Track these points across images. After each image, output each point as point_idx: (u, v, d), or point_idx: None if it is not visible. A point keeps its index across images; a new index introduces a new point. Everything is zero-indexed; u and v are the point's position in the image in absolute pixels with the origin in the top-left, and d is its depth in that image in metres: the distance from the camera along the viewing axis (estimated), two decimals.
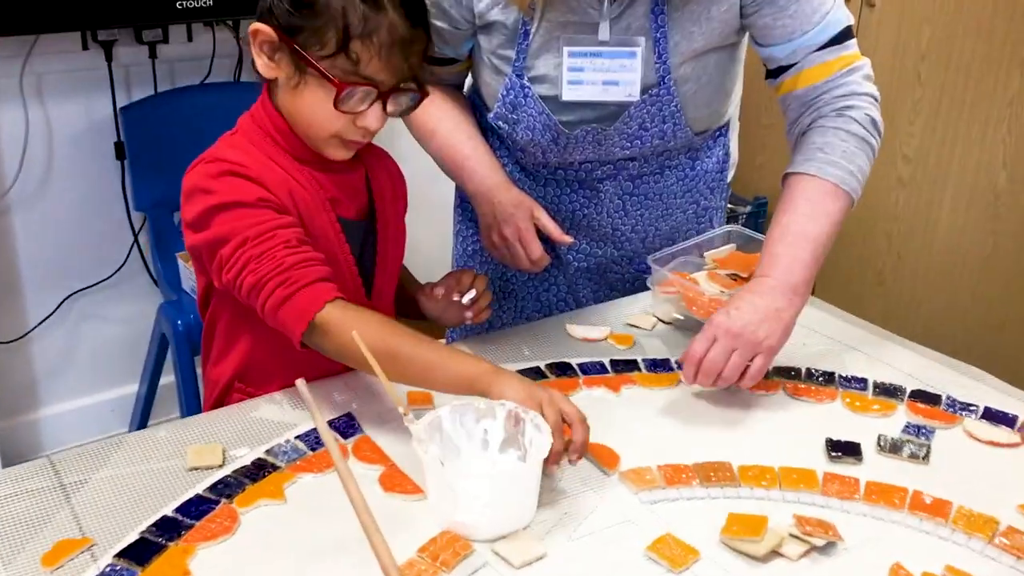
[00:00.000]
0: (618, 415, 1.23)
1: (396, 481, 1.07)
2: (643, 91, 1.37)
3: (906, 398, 1.28)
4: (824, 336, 1.45)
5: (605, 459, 1.13)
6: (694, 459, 1.13)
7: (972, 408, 1.25)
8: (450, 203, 1.70)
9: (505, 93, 1.41)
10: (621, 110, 1.40)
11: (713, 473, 1.10)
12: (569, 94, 1.38)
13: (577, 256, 1.57)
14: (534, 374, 1.30)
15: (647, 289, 1.58)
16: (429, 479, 1.02)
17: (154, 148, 2.41)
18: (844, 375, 1.32)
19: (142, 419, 2.66)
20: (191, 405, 2.32)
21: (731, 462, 1.13)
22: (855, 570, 0.98)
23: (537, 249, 1.44)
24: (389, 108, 1.17)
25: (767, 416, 1.24)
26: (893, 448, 1.17)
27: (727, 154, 1.60)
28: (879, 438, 1.18)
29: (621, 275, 1.60)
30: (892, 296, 2.83)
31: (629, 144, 1.43)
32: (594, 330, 1.43)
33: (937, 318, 2.71)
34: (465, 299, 1.32)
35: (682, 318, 1.48)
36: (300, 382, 0.95)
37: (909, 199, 2.73)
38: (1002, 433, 1.20)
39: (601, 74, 1.37)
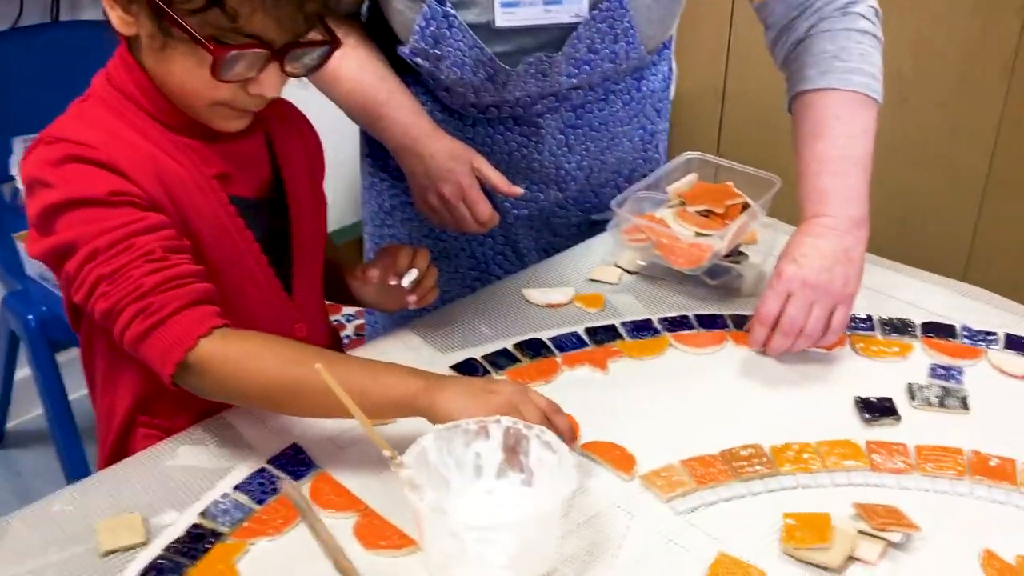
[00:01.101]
0: (613, 398, 1.04)
1: (378, 532, 0.86)
2: (591, 7, 1.15)
3: (920, 334, 1.14)
4: None
5: (619, 461, 0.94)
6: (717, 444, 0.96)
7: (992, 337, 1.13)
8: (354, 151, 1.44)
9: (424, 24, 1.15)
10: (564, 33, 1.17)
11: (746, 462, 0.94)
12: (504, 19, 1.14)
13: (516, 203, 1.35)
14: (504, 358, 1.10)
15: (595, 234, 1.39)
16: (427, 531, 0.81)
17: None
18: None
19: None
20: (55, 401, 2.01)
21: (760, 443, 0.96)
22: (943, 566, 0.83)
23: (486, 208, 1.21)
24: (288, 68, 0.91)
25: (779, 375, 1.08)
26: (928, 401, 1.03)
27: (670, 70, 1.41)
28: (909, 389, 1.04)
29: (566, 220, 1.40)
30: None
31: (576, 71, 1.20)
32: (556, 293, 1.23)
33: None
34: (405, 282, 1.08)
35: (645, 264, 1.29)
36: (289, 484, 0.72)
37: None
38: None
39: None
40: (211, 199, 0.95)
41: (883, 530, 0.84)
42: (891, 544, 0.84)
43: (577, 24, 1.15)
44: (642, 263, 1.29)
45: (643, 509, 0.89)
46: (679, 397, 1.05)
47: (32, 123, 1.91)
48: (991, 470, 0.93)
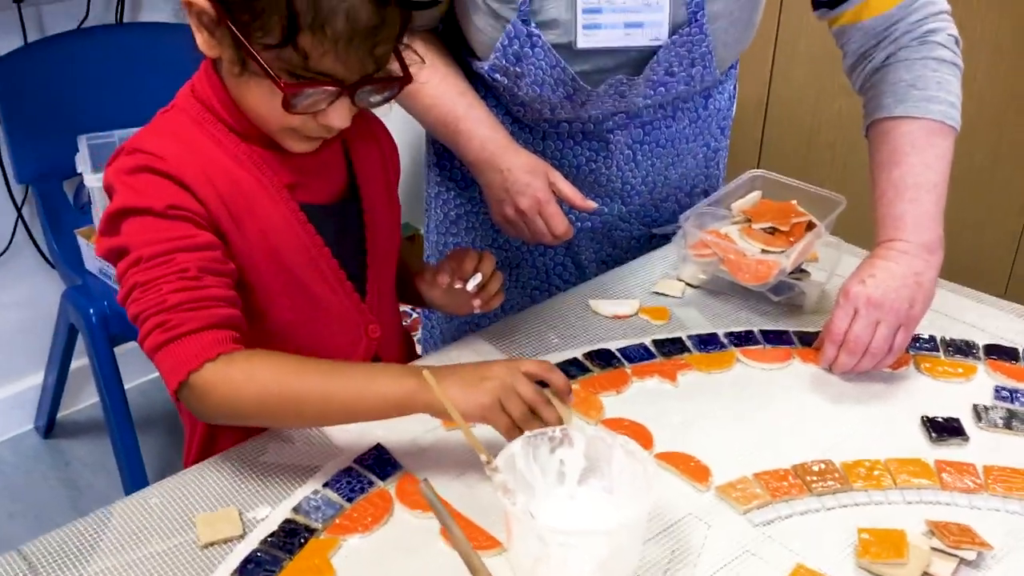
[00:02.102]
0: (683, 410, 1.07)
1: (464, 533, 0.89)
2: (671, 32, 1.18)
3: (983, 355, 1.16)
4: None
5: (694, 472, 0.97)
6: (788, 459, 0.99)
7: None
8: (409, 158, 1.47)
9: (507, 42, 1.18)
10: (643, 56, 1.20)
11: (819, 477, 0.96)
12: (585, 40, 1.17)
13: (581, 215, 1.38)
14: (574, 367, 1.13)
15: (654, 248, 1.42)
16: (516, 534, 0.84)
17: (32, 109, 2.06)
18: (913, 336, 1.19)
19: (51, 411, 2.36)
20: (113, 393, 2.05)
21: (831, 459, 0.99)
22: None
23: (562, 222, 1.23)
24: (359, 103, 0.94)
25: (845, 392, 1.11)
26: (995, 422, 1.05)
27: (735, 88, 1.43)
28: (975, 410, 1.07)
29: (628, 233, 1.43)
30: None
31: (653, 92, 1.23)
32: (622, 304, 1.26)
33: None
34: (470, 286, 1.10)
35: (708, 279, 1.32)
36: (424, 483, 0.78)
37: (854, 106, 2.61)
38: None
39: (622, 15, 1.17)
40: (281, 207, 0.99)
41: (957, 548, 0.87)
42: (964, 562, 0.86)
43: (656, 47, 1.18)
44: (704, 277, 1.32)
45: (720, 520, 0.92)
46: (748, 411, 1.07)
47: (96, 122, 1.99)
48: None
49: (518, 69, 1.19)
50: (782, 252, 1.24)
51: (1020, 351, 1.17)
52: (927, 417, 1.05)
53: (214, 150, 0.96)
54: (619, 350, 1.16)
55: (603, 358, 1.15)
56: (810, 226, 1.27)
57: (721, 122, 1.42)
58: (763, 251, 1.24)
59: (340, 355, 1.06)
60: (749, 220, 1.30)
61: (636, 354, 1.16)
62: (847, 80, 1.27)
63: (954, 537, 0.87)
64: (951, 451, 1.01)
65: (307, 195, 1.02)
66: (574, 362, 1.14)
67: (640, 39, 1.17)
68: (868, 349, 1.09)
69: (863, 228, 1.27)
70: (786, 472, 0.97)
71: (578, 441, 0.89)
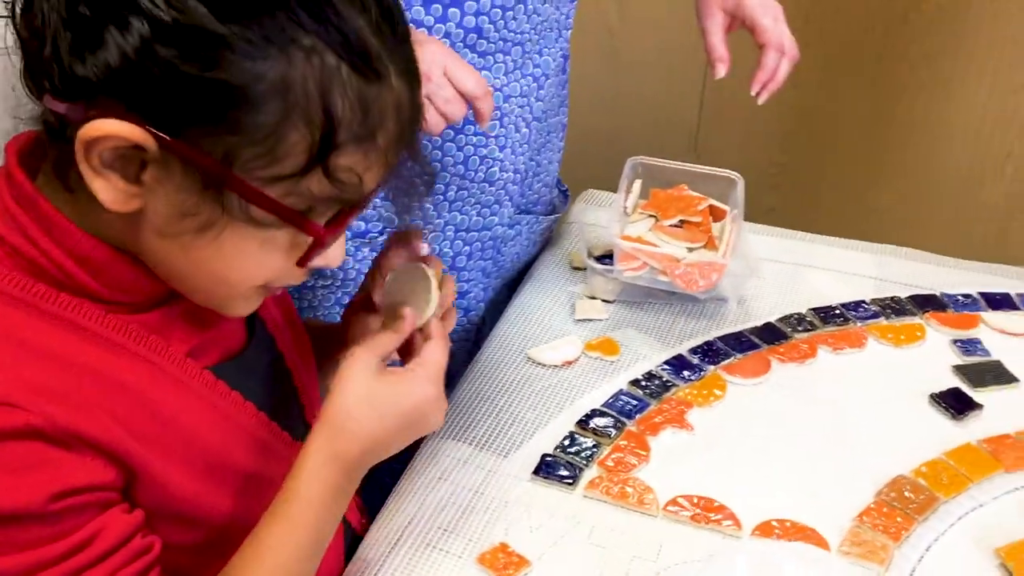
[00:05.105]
0: (728, 464, 0.92)
1: None
2: None
3: (918, 311, 1.15)
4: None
5: (812, 539, 0.83)
6: (861, 485, 0.90)
7: (971, 299, 1.17)
8: None
9: None
10: None
11: (907, 502, 0.88)
12: None
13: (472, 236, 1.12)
14: (582, 446, 0.92)
15: (528, 261, 1.23)
16: None
17: None
18: (845, 304, 1.15)
19: None
20: None
21: (902, 473, 0.91)
22: None
23: (475, 75, 0.88)
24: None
25: (837, 385, 1.03)
26: (983, 380, 1.04)
27: None
28: (962, 373, 1.05)
29: (516, 244, 1.18)
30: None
31: None
32: (564, 347, 1.06)
33: None
34: (420, 322, 0.75)
35: (618, 290, 1.16)
36: None
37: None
38: None
39: None
40: (194, 386, 0.67)
41: None
42: None
43: None
44: (613, 289, 1.16)
45: None
46: (779, 442, 0.95)
47: None
48: None
49: None
50: (701, 246, 1.12)
51: (938, 295, 1.17)
52: (935, 395, 1.01)
53: (71, 340, 0.60)
54: (606, 405, 0.98)
55: (600, 423, 0.95)
56: (714, 211, 1.17)
57: (564, 88, 1.22)
58: (688, 249, 1.11)
59: None
60: (655, 216, 1.16)
61: (627, 408, 0.98)
62: None
63: None
64: (978, 425, 0.98)
65: (214, 353, 0.70)
66: (574, 438, 0.94)
67: None
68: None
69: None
70: (879, 505, 0.87)
71: (740, 567, 0.71)
